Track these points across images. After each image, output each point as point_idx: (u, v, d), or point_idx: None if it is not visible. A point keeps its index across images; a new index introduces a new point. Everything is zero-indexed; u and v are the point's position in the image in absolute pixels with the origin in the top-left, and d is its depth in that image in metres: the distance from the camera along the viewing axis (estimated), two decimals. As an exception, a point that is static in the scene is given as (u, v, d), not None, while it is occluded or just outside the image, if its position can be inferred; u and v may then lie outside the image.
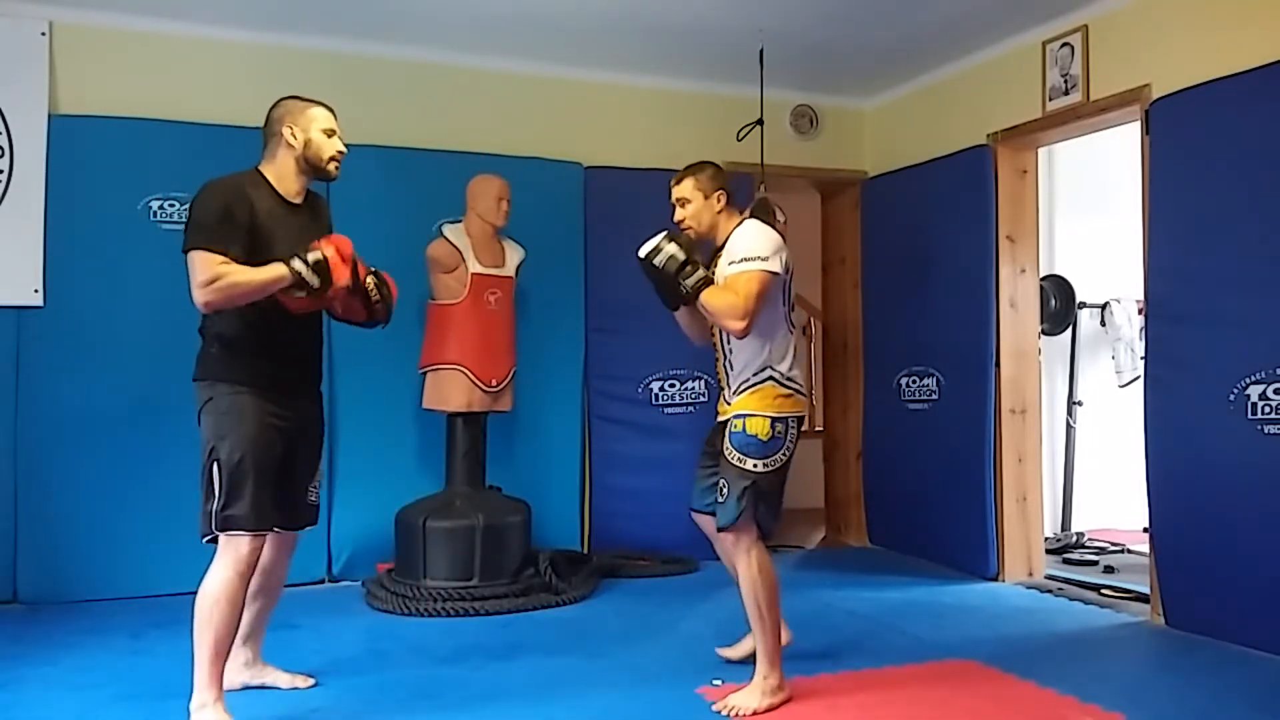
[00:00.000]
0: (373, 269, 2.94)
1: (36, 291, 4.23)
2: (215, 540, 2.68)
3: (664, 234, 3.01)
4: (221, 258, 2.61)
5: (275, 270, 2.63)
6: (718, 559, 3.38)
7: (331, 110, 2.92)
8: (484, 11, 4.44)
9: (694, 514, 3.30)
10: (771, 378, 3.01)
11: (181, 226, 4.43)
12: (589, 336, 5.12)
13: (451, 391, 4.31)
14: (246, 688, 3.03)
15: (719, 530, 3.02)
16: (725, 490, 2.98)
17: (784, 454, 3.02)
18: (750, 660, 3.18)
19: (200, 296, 2.60)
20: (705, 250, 3.11)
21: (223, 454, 2.66)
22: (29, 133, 4.24)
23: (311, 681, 3.12)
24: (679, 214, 3.13)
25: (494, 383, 4.36)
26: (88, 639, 3.64)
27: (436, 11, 4.44)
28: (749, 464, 2.97)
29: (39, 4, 4.29)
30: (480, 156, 4.77)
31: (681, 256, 2.94)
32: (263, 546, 2.73)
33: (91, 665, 3.34)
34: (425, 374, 4.41)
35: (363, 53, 4.81)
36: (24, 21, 4.28)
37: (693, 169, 3.16)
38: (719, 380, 3.18)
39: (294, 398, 2.84)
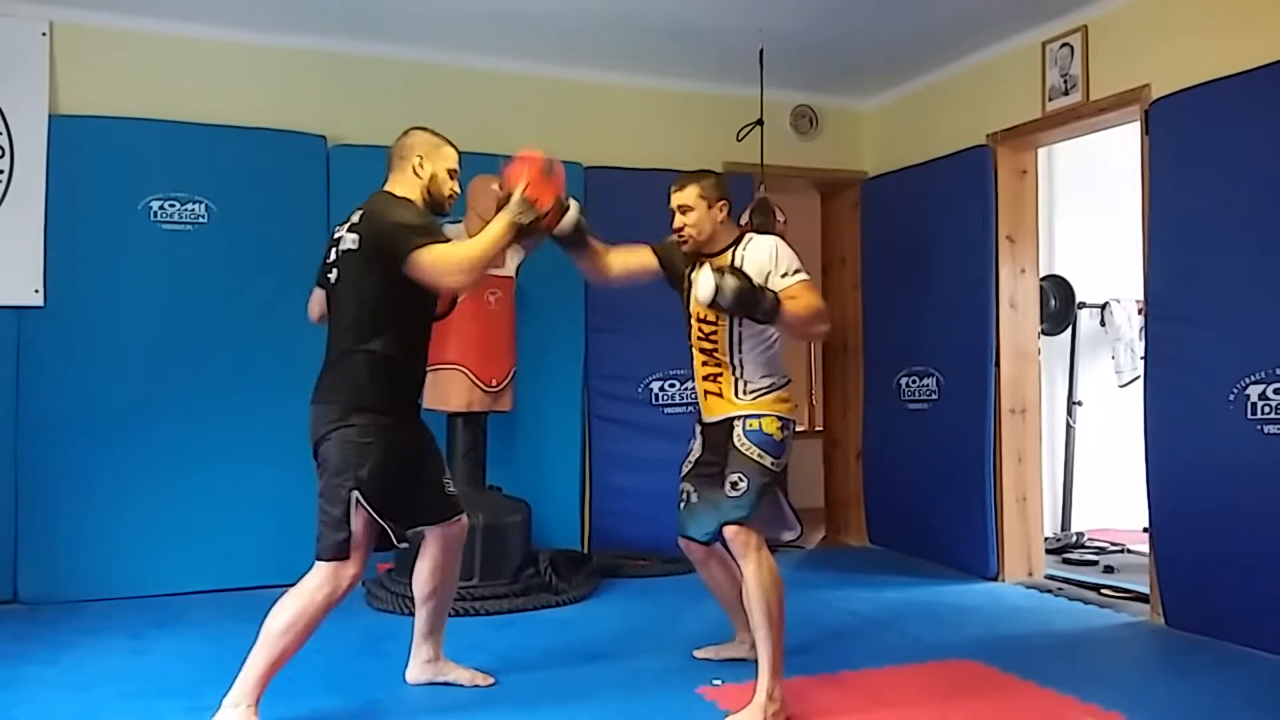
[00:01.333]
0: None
1: (37, 291, 4.23)
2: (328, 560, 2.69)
3: (710, 272, 2.77)
4: (443, 244, 2.74)
5: (498, 227, 2.82)
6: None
7: (458, 150, 3.03)
8: (483, 11, 4.44)
9: (684, 541, 3.22)
10: (777, 385, 3.04)
11: (181, 226, 4.51)
12: (589, 336, 5.12)
13: (451, 391, 4.31)
14: (431, 684, 3.12)
15: (731, 524, 2.91)
16: (744, 484, 2.91)
17: (786, 458, 3.04)
18: (739, 660, 3.19)
19: (456, 281, 2.76)
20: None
21: (359, 484, 2.68)
22: (29, 133, 4.25)
23: (492, 680, 3.15)
24: (679, 220, 3.07)
25: (494, 383, 4.36)
26: (88, 639, 3.65)
27: (436, 12, 4.44)
28: (768, 461, 2.94)
29: (39, 4, 4.29)
30: (480, 156, 4.74)
31: (745, 283, 2.76)
32: (362, 572, 2.74)
33: (91, 665, 3.35)
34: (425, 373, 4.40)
35: (362, 53, 4.81)
36: (24, 21, 4.28)
37: (695, 176, 3.10)
38: (709, 388, 3.08)
39: (411, 423, 2.93)
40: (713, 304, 2.76)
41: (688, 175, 3.13)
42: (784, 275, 2.94)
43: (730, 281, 2.75)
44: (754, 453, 2.94)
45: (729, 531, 2.94)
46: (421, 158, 2.91)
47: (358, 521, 2.68)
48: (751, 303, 2.76)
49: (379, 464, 2.71)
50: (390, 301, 2.78)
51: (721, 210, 3.08)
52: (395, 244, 2.71)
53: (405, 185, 2.92)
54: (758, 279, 2.86)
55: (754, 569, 2.89)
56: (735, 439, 2.97)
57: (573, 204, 3.04)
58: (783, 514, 3.17)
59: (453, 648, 3.20)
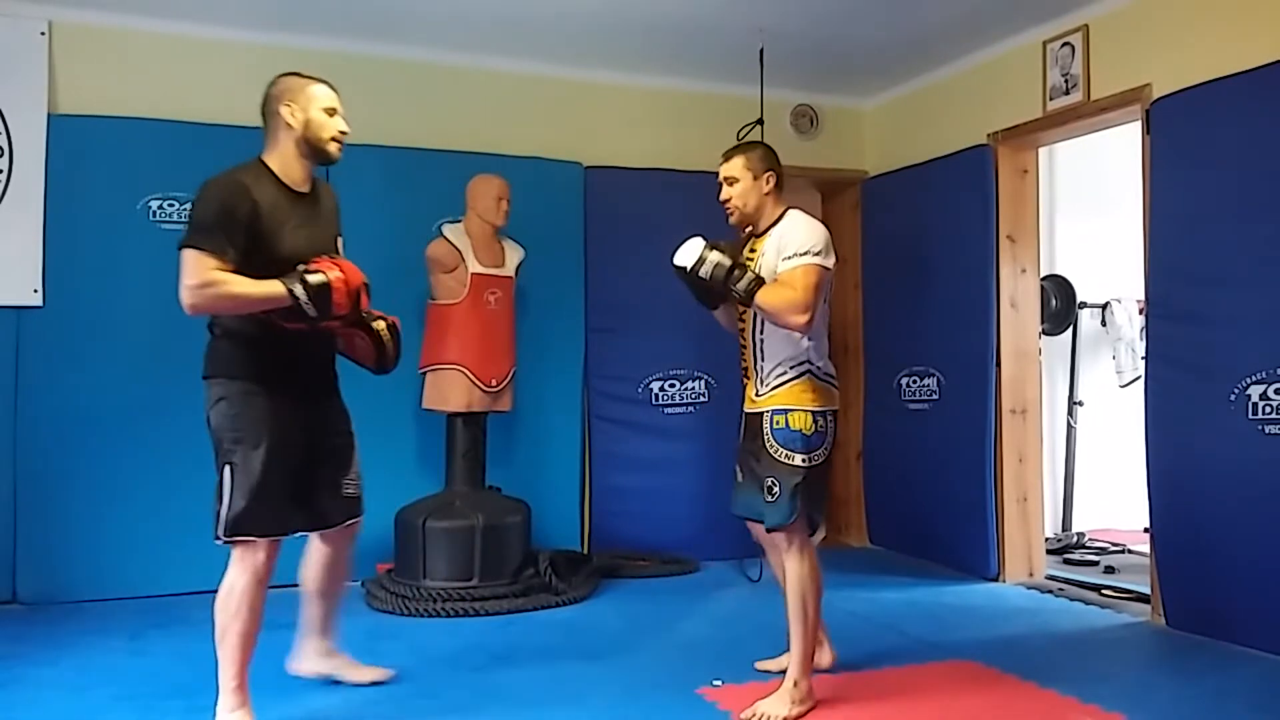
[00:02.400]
0: (388, 317, 2.86)
1: (36, 291, 4.22)
2: (230, 543, 2.62)
3: (700, 243, 2.89)
4: (216, 261, 2.49)
5: (272, 288, 2.52)
6: (719, 559, 3.38)
7: (334, 88, 2.81)
8: (484, 11, 4.43)
9: (746, 521, 3.19)
10: (809, 371, 2.95)
11: (181, 226, 4.50)
12: (589, 336, 5.11)
13: (451, 391, 4.31)
14: (324, 677, 3.08)
15: (770, 530, 2.94)
16: (777, 489, 2.90)
17: (826, 448, 2.96)
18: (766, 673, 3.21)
19: (186, 297, 2.49)
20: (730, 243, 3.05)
21: (236, 456, 2.59)
22: (28, 132, 4.24)
23: (391, 673, 3.14)
24: (725, 193, 3.02)
25: (494, 383, 4.36)
26: (87, 639, 3.64)
27: (436, 11, 4.44)
28: (797, 459, 2.90)
29: (38, 3, 4.28)
30: (480, 156, 4.77)
31: (727, 263, 2.85)
32: (278, 550, 2.66)
33: (91, 665, 3.34)
34: (425, 374, 4.40)
35: (363, 52, 4.81)
36: (23, 21, 4.28)
37: (743, 147, 3.06)
38: (745, 372, 3.08)
39: (312, 398, 2.79)
40: (686, 274, 2.88)
41: (735, 147, 3.10)
42: (789, 257, 2.90)
43: (714, 256, 2.85)
44: (782, 454, 2.91)
45: (774, 537, 2.98)
46: (290, 106, 2.68)
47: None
48: (721, 282, 2.84)
49: (255, 435, 2.59)
50: None
51: (769, 182, 3.00)
52: (181, 237, 2.55)
53: (279, 143, 2.71)
54: (776, 256, 2.91)
55: (794, 565, 2.93)
56: (766, 440, 2.95)
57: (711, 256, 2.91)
58: (823, 495, 3.11)
59: (453, 648, 3.20)
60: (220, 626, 2.61)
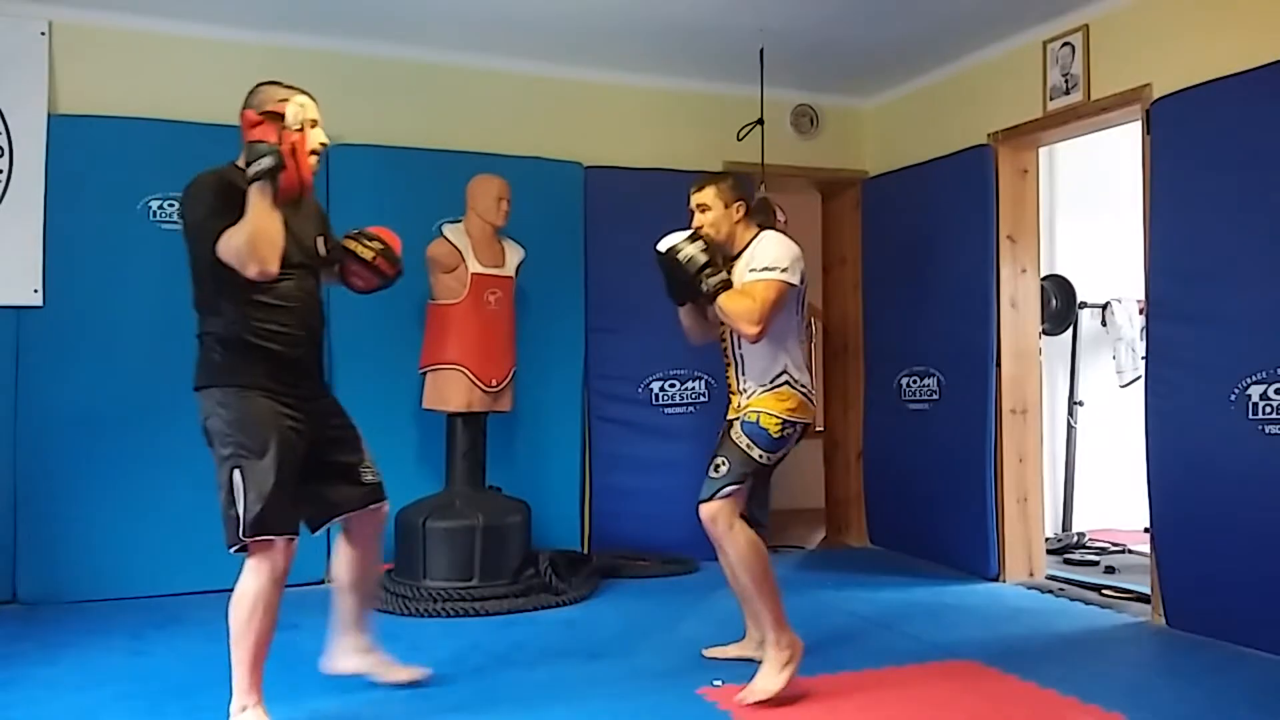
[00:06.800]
0: (362, 231, 3.03)
1: (36, 291, 4.23)
2: (244, 549, 2.60)
3: (686, 234, 3.12)
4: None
5: (255, 200, 2.50)
6: (718, 559, 3.38)
7: (313, 98, 2.73)
8: (483, 11, 4.43)
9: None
10: (787, 382, 3.12)
11: (181, 227, 4.50)
12: (589, 336, 5.12)
13: (451, 392, 4.31)
14: (361, 675, 3.05)
15: (701, 502, 3.06)
16: (724, 467, 3.05)
17: (783, 453, 3.13)
18: (746, 660, 3.24)
19: (249, 272, 2.50)
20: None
21: (245, 460, 2.58)
22: (28, 132, 4.24)
23: (428, 672, 3.12)
24: (698, 219, 3.19)
25: (494, 383, 4.36)
26: (87, 639, 3.64)
27: (436, 11, 4.44)
28: (755, 452, 3.07)
29: (38, 3, 4.28)
30: (480, 156, 4.77)
31: (703, 258, 3.06)
32: (294, 551, 2.64)
33: (91, 665, 3.34)
34: (425, 374, 4.40)
35: (363, 52, 4.81)
36: (23, 21, 4.28)
37: (713, 177, 3.26)
38: (729, 385, 3.25)
39: (305, 399, 2.75)
40: (662, 256, 3.10)
41: (707, 176, 3.29)
42: (755, 269, 3.08)
43: (692, 249, 3.07)
44: (743, 442, 3.09)
45: (701, 513, 3.06)
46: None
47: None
48: (692, 275, 3.04)
49: (261, 438, 2.60)
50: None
51: (738, 211, 3.20)
52: (191, 238, 2.74)
53: None
54: (745, 269, 3.09)
55: (730, 546, 3.05)
56: (733, 430, 3.13)
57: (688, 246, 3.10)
58: (766, 500, 3.31)
59: (453, 648, 3.20)
60: (237, 628, 2.60)
